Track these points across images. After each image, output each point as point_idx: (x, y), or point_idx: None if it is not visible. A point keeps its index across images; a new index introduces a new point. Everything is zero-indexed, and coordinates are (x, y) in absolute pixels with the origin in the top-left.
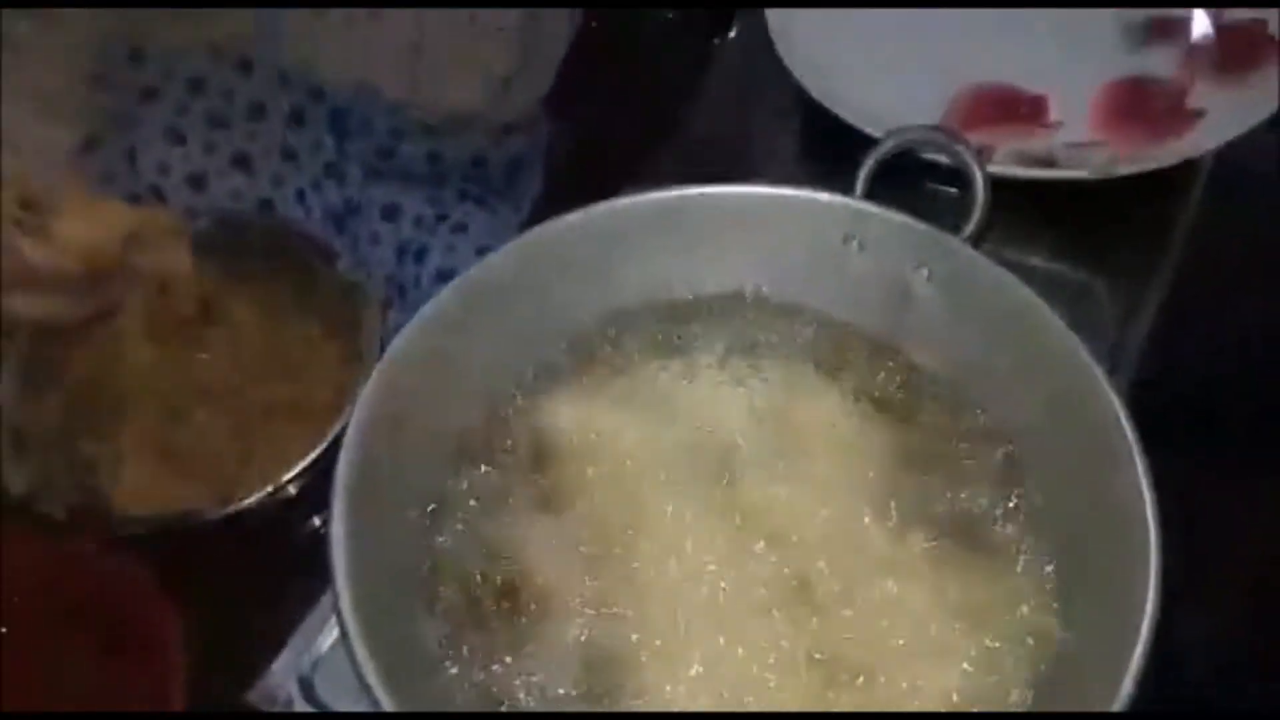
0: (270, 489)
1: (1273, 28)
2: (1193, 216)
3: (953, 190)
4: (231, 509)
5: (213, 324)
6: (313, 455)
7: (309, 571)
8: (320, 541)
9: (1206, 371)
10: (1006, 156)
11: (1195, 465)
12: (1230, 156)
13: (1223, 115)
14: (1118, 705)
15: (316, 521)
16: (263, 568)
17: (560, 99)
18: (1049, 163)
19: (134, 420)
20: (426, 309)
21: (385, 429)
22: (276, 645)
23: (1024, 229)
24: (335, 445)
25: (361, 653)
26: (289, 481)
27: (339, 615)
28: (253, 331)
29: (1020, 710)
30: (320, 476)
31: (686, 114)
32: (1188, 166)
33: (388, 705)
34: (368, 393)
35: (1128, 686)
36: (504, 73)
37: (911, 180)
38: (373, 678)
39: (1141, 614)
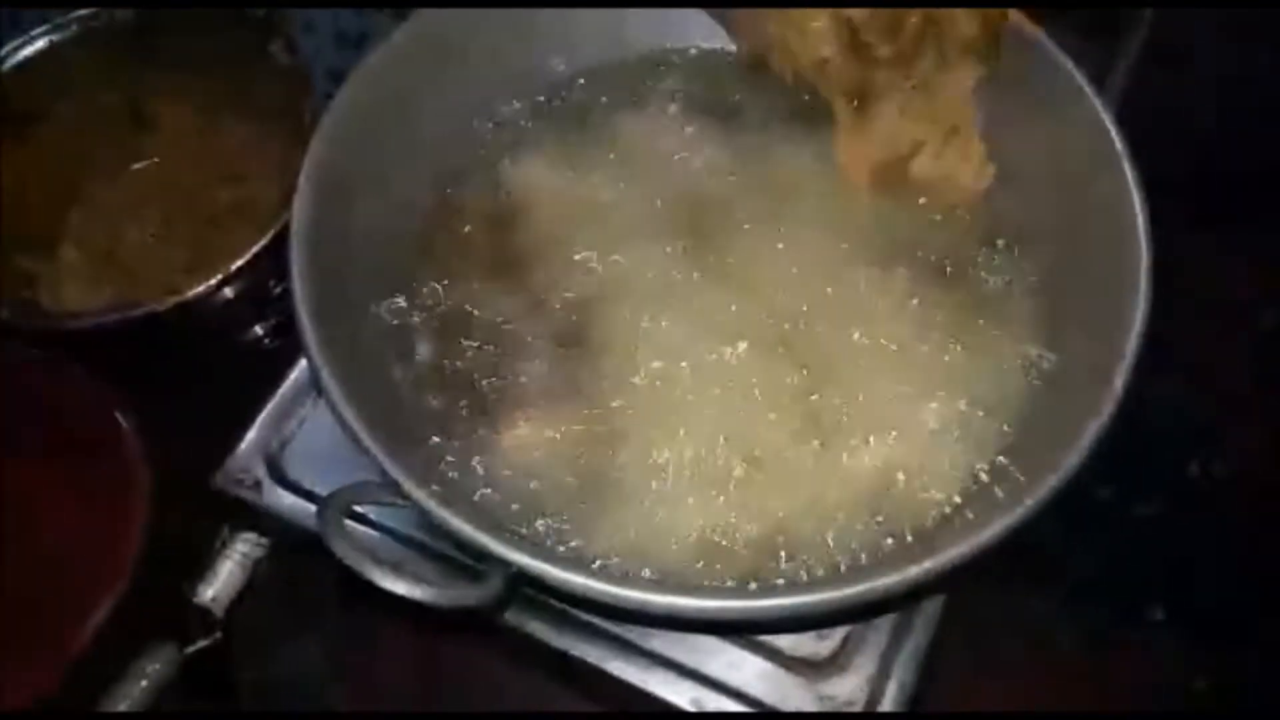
0: (213, 283)
1: None
2: None
3: None
4: (172, 303)
5: (145, 131)
6: (255, 249)
7: (257, 369)
8: (261, 341)
9: (1178, 124)
10: None
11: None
12: None
13: None
14: (1106, 408)
15: (259, 330)
16: (212, 365)
17: None
18: None
19: (71, 234)
20: (372, 56)
21: (335, 197)
22: (233, 436)
23: None
24: (276, 242)
25: (343, 405)
26: (231, 277)
27: (315, 374)
28: (189, 136)
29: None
30: (246, 278)
31: None
32: None
33: (379, 454)
34: (314, 152)
35: (1117, 388)
36: None
37: None
38: (360, 430)
39: (1131, 324)
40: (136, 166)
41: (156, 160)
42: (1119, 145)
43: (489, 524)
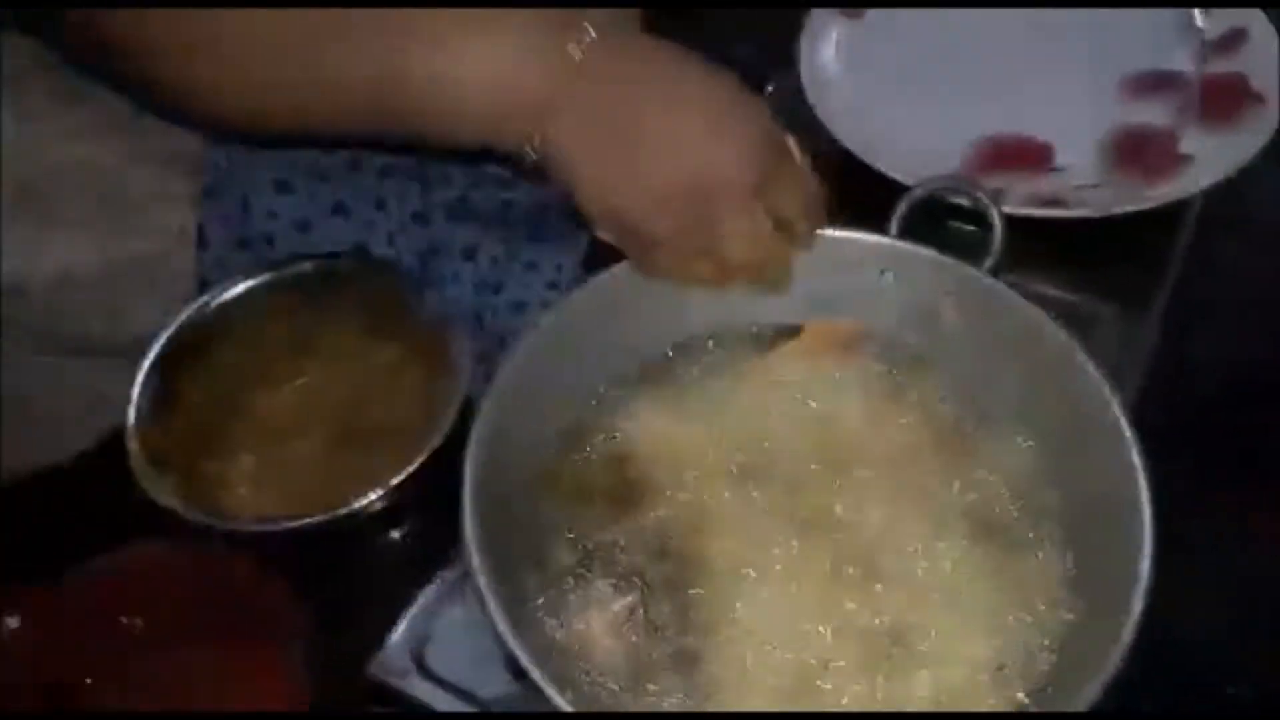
0: (371, 499)
1: (1253, 82)
2: (1183, 250)
3: (973, 229)
4: (330, 516)
5: (304, 354)
6: (411, 469)
7: (400, 572)
8: (401, 549)
9: (1201, 390)
10: (1019, 198)
11: (1189, 477)
12: (1216, 196)
13: (1209, 160)
14: (1113, 661)
15: (395, 535)
16: (359, 570)
17: None
18: (1057, 203)
19: (243, 443)
20: (525, 338)
21: (499, 437)
22: (382, 631)
23: (1038, 264)
24: (425, 465)
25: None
26: (383, 495)
27: (474, 581)
28: (348, 359)
29: (1048, 669)
30: (401, 492)
31: None
32: (1179, 205)
33: (520, 653)
34: (488, 405)
35: (1125, 640)
36: None
37: (938, 221)
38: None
39: (1137, 585)
40: (297, 383)
41: (309, 380)
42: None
43: None
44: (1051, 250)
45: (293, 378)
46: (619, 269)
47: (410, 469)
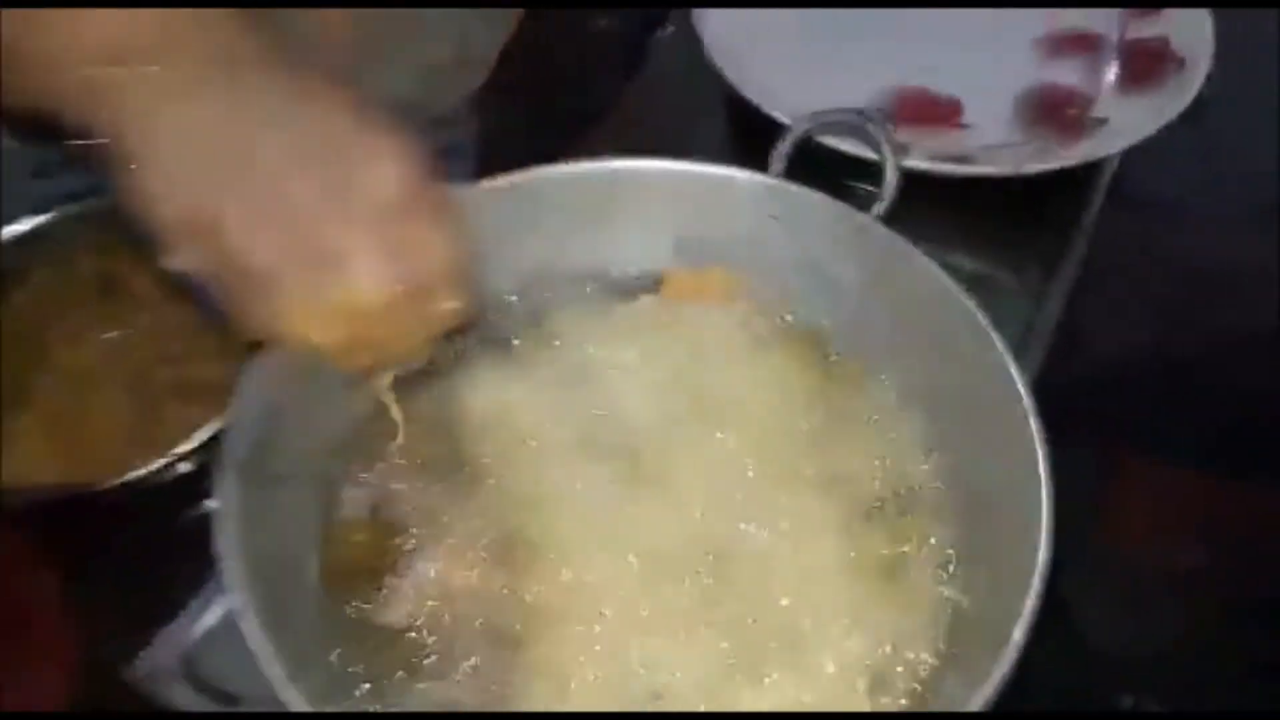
0: (160, 464)
1: (1174, 44)
2: (1095, 217)
3: (869, 187)
4: (118, 482)
5: (116, 302)
6: (207, 432)
7: (200, 553)
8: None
9: (1107, 362)
10: (923, 153)
11: (1093, 451)
12: (1130, 161)
13: (1125, 123)
14: (1006, 657)
15: (209, 503)
16: (153, 547)
17: (495, 92)
18: (964, 160)
19: (34, 397)
20: None
21: (278, 397)
22: (165, 622)
23: (939, 228)
24: None
25: (252, 627)
26: (181, 458)
27: (227, 586)
28: (157, 310)
29: (926, 673)
30: (208, 455)
31: (619, 106)
32: (1092, 170)
33: (277, 674)
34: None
35: (1017, 640)
36: (439, 65)
37: (829, 175)
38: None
39: (1032, 573)
40: (103, 334)
41: (117, 329)
42: (1025, 400)
43: None
44: (955, 215)
45: (98, 326)
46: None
47: (205, 432)
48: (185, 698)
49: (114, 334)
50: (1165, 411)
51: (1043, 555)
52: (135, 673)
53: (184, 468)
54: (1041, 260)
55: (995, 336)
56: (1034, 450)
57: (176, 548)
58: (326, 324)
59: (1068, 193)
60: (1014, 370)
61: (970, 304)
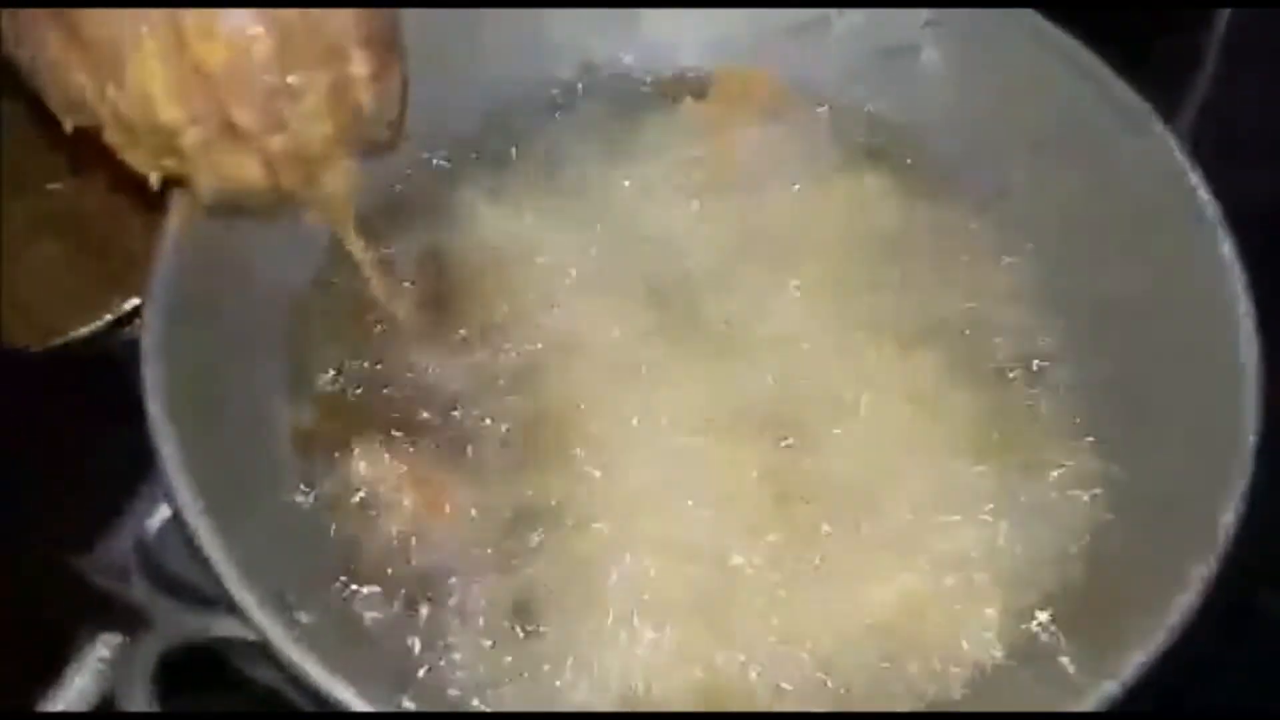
0: (105, 321)
1: None
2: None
3: None
4: (57, 342)
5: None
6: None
7: None
8: None
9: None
10: None
11: None
12: None
13: None
14: (1216, 544)
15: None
16: (102, 417)
17: None
18: None
19: None
20: None
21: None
22: (117, 506)
23: None
24: None
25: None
26: (128, 316)
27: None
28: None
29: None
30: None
31: None
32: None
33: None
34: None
35: (1225, 527)
36: None
37: None
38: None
39: (1237, 434)
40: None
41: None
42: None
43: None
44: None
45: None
46: None
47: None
48: (141, 592)
49: (56, 185)
50: None
51: (1251, 412)
52: (88, 563)
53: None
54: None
55: (1159, 124)
56: (1228, 273)
57: (134, 419)
58: (182, 87)
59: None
60: (1186, 164)
61: (1128, 91)
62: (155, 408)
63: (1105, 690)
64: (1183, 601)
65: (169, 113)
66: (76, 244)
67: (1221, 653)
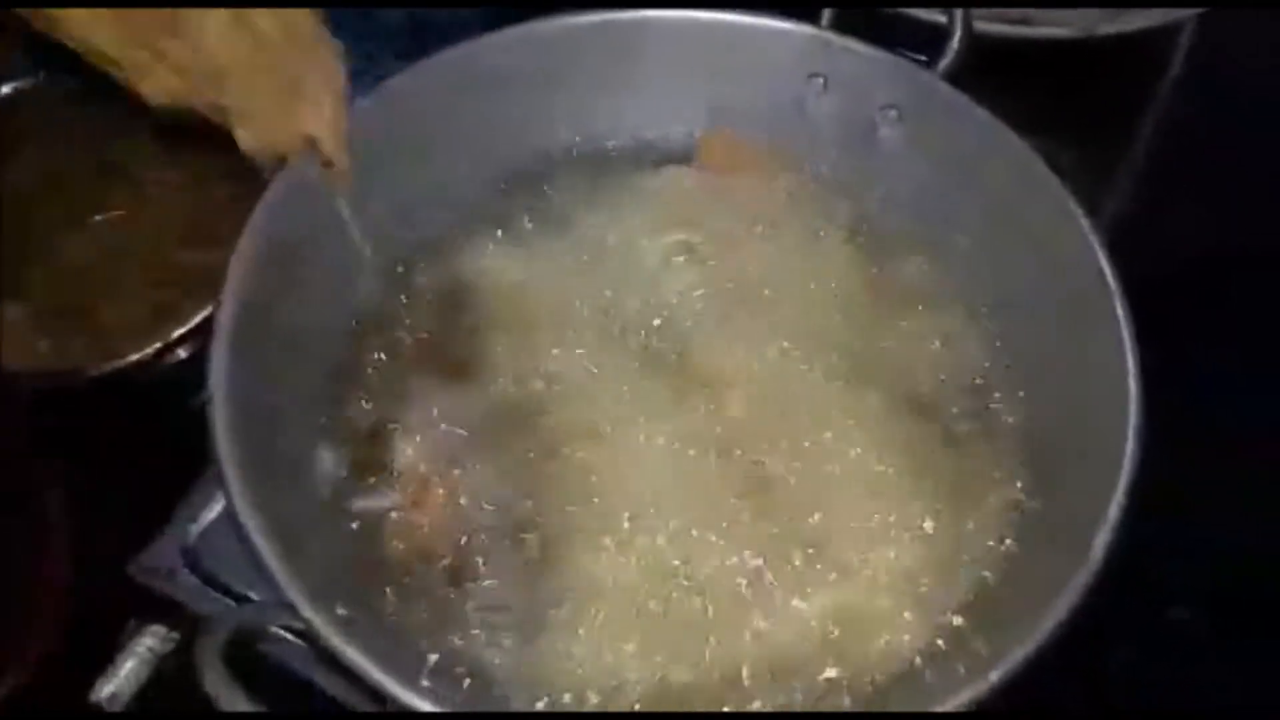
0: (157, 347)
1: None
2: (1167, 92)
3: (920, 56)
4: (113, 366)
5: (116, 181)
6: (204, 313)
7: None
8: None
9: (1181, 245)
10: (983, 15)
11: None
12: (1208, 34)
13: None
14: (1091, 562)
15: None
16: (151, 434)
17: None
18: (1025, 22)
19: (32, 282)
20: None
21: (278, 262)
22: (164, 515)
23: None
24: None
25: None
26: (177, 341)
27: (221, 476)
28: (172, 194)
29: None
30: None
31: None
32: (1166, 40)
33: (273, 565)
34: (257, 218)
35: (1101, 541)
36: None
37: (883, 26)
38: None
39: (1118, 470)
40: (99, 219)
41: (122, 213)
42: (1111, 283)
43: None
44: (1011, 84)
45: (91, 212)
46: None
47: (201, 316)
48: (187, 592)
49: (112, 215)
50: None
51: (1130, 449)
52: (137, 566)
53: (182, 353)
54: (1109, 138)
55: (1081, 216)
56: (1122, 344)
57: (177, 436)
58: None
59: (1140, 60)
60: (1100, 252)
61: (1054, 179)
62: (218, 419)
63: (991, 680)
64: (1061, 604)
65: None
66: (139, 274)
67: (1137, 662)
